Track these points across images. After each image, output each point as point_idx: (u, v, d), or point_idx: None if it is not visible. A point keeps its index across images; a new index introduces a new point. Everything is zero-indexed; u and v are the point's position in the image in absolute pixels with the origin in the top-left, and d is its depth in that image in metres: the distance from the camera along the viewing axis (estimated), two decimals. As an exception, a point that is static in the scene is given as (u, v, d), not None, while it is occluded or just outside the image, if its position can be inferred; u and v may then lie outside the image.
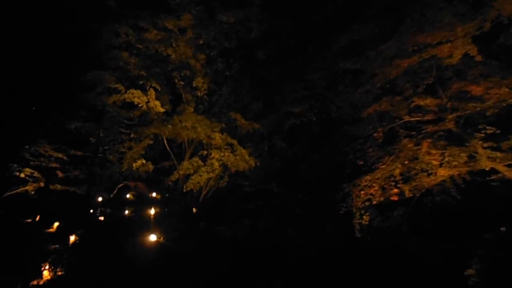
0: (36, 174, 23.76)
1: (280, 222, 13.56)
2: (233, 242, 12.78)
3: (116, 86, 16.01)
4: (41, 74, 20.05)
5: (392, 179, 9.29)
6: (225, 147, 13.88)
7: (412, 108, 9.57)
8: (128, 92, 15.90)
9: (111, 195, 29.67)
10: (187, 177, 16.55)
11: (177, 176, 14.16)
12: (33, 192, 23.41)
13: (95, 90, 17.97)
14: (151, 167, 16.92)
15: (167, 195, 31.99)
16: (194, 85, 16.13)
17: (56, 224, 16.90)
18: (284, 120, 15.92)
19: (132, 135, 23.91)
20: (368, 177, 9.76)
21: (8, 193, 22.71)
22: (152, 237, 13.37)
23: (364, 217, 9.88)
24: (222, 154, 13.49)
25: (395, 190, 9.21)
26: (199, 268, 11.15)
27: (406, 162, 9.34)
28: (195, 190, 14.30)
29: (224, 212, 15.60)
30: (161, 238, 13.62)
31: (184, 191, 13.97)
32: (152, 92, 15.85)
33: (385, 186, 9.33)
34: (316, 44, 14.89)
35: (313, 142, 15.52)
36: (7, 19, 19.70)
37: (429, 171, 9.03)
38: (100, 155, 27.17)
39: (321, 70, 14.75)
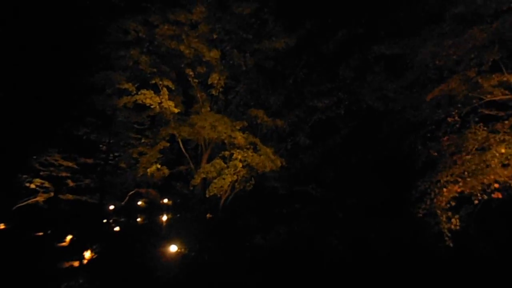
0: (46, 184, 23.07)
1: (320, 228, 12.24)
2: (267, 251, 11.57)
3: (126, 86, 14.93)
4: (48, 78, 19.18)
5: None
6: (248, 146, 12.73)
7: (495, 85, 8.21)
8: (139, 92, 14.83)
9: (123, 203, 28.74)
10: (203, 181, 15.45)
11: (198, 180, 13.02)
12: (43, 203, 22.66)
13: (104, 92, 16.92)
14: (166, 172, 15.81)
15: (178, 200, 32.19)
16: (209, 82, 14.98)
17: (69, 237, 15.78)
18: (308, 115, 14.68)
19: (143, 140, 22.91)
20: (453, 170, 8.25)
21: (18, 205, 21.99)
22: (173, 248, 12.29)
23: (452, 220, 8.36)
24: (245, 154, 12.32)
25: (496, 185, 7.80)
26: (228, 282, 10.02)
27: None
28: (218, 195, 13.12)
29: (250, 217, 14.38)
30: (183, 249, 12.50)
31: (207, 196, 12.85)
32: (165, 92, 14.75)
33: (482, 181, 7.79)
34: (343, 33, 13.69)
35: (349, 137, 14.24)
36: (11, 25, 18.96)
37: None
38: (110, 162, 26.33)
39: (349, 59, 13.56)
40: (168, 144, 15.64)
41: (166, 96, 14.81)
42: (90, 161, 26.09)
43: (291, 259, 10.66)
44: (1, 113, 21.20)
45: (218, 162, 12.83)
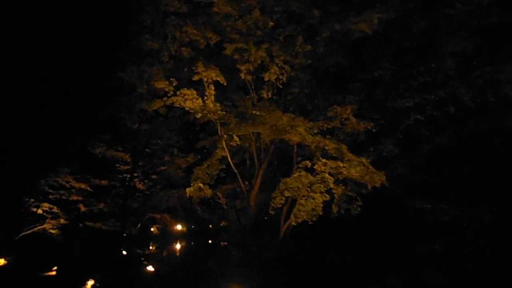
0: (55, 209, 20.01)
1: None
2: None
3: (163, 85, 11.85)
4: (58, 81, 16.27)
5: None
6: (335, 154, 9.54)
7: None
8: (178, 93, 11.76)
9: (133, 230, 25.37)
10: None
11: (279, 201, 9.76)
12: (53, 231, 19.38)
13: (133, 93, 13.87)
14: (209, 192, 12.52)
15: (193, 226, 27.82)
16: (266, 78, 11.93)
17: (90, 283, 11.54)
18: (395, 118, 11.44)
19: (175, 151, 19.71)
20: None
21: (23, 233, 18.75)
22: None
23: None
24: (336, 165, 9.10)
25: None
26: None
27: None
28: (309, 221, 9.67)
29: (332, 252, 10.78)
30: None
31: (294, 223, 9.53)
32: (211, 90, 11.70)
33: None
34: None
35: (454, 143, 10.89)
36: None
37: None
38: (127, 183, 23.23)
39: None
40: (225, 155, 12.33)
41: (212, 97, 11.74)
42: (105, 182, 23.04)
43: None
44: (5, 127, 18.30)
45: (303, 175, 9.55)
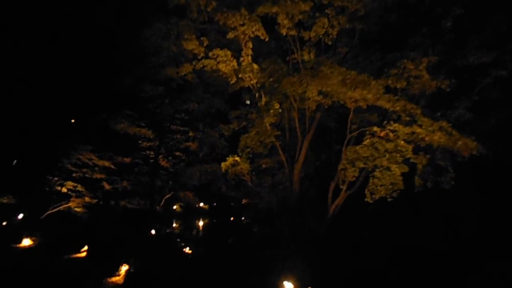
0: (79, 187, 19.33)
1: None
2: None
3: (192, 46, 10.25)
4: (76, 51, 14.89)
5: None
6: (407, 118, 7.96)
7: None
8: (210, 54, 10.19)
9: (157, 207, 24.74)
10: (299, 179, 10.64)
11: (355, 174, 8.29)
12: (78, 210, 18.77)
13: (159, 56, 12.24)
14: (246, 167, 11.14)
15: (214, 204, 27.55)
16: (312, 34, 10.18)
17: (124, 269, 10.03)
18: (469, 77, 9.57)
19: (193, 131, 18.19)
20: None
21: (49, 212, 18.21)
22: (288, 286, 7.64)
23: None
24: (418, 130, 7.52)
25: None
26: None
27: None
28: (388, 197, 8.21)
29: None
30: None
31: (370, 201, 8.14)
32: (249, 49, 10.07)
33: None
34: None
35: None
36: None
37: None
38: (152, 160, 22.37)
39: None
40: (275, 120, 10.75)
41: (250, 57, 10.13)
42: (128, 160, 22.20)
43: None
44: (25, 105, 17.34)
45: (379, 141, 7.99)
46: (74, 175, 19.57)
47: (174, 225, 25.35)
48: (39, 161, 19.15)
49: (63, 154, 19.75)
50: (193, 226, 25.07)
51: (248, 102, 13.08)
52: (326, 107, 10.22)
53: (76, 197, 19.37)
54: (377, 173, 8.38)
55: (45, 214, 18.06)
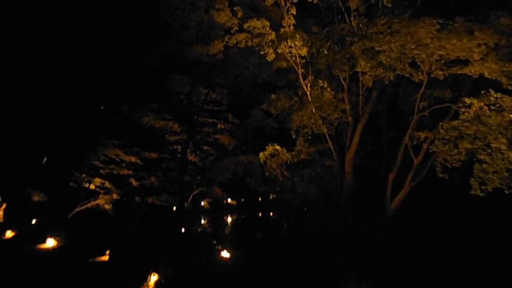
0: (107, 184, 18.73)
1: None
2: None
3: (225, 18, 8.80)
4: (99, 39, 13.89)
5: None
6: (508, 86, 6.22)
7: None
8: (246, 26, 8.72)
9: (185, 204, 24.04)
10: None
11: (460, 158, 6.67)
12: (107, 207, 18.16)
13: (185, 34, 10.85)
14: (285, 157, 9.68)
15: (242, 200, 26.88)
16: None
17: (153, 279, 8.55)
18: None
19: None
20: None
21: (77, 209, 17.68)
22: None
23: None
24: None
25: None
26: None
27: None
28: None
29: None
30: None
31: (480, 194, 6.47)
32: (291, 18, 8.55)
33: None
34: None
35: None
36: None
37: None
38: (179, 155, 21.66)
39: None
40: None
41: (292, 27, 8.59)
42: (155, 155, 21.48)
43: None
44: (49, 99, 16.67)
45: (488, 113, 6.19)
46: (101, 171, 19.05)
47: (202, 221, 24.71)
48: (65, 158, 18.59)
49: (90, 149, 19.22)
50: (223, 224, 24.44)
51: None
52: (387, 82, 8.53)
53: (104, 194, 18.83)
54: (485, 156, 6.46)
55: (74, 211, 17.50)
